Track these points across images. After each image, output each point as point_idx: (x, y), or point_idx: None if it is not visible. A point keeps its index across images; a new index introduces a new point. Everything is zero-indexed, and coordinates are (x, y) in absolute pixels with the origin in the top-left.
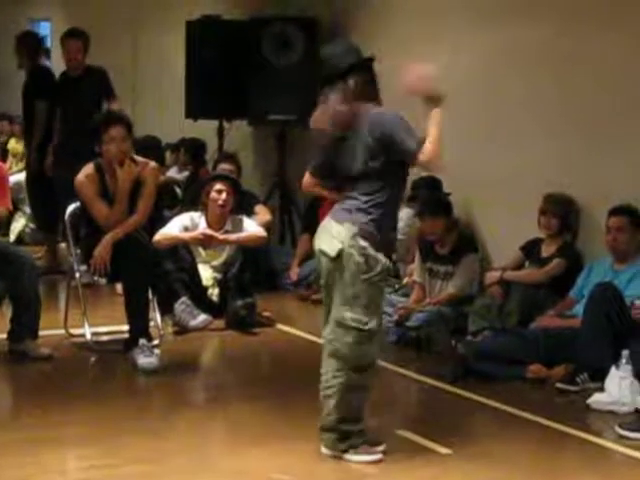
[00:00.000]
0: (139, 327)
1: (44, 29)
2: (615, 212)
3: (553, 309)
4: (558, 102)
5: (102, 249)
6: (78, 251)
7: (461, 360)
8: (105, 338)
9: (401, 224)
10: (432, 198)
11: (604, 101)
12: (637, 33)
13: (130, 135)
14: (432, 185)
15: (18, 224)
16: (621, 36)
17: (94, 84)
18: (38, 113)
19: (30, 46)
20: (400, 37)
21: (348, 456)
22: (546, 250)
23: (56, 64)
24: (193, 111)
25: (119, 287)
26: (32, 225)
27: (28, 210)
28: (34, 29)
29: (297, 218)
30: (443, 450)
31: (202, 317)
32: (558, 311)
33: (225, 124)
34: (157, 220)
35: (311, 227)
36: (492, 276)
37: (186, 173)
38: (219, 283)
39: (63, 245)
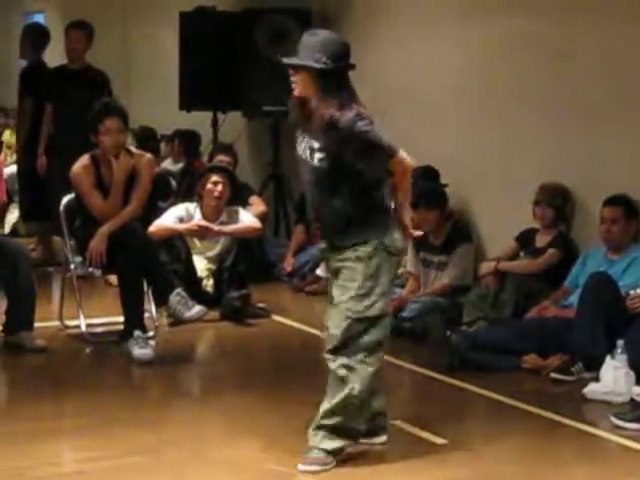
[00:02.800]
0: (134, 318)
1: (38, 21)
2: (609, 203)
3: (548, 299)
4: (553, 93)
5: (97, 241)
6: (73, 242)
7: (456, 350)
8: (100, 329)
9: None
10: (427, 189)
11: (599, 91)
12: (631, 22)
13: (126, 127)
14: (429, 175)
15: (12, 216)
16: (616, 26)
17: (92, 84)
18: (24, 109)
19: (35, 38)
20: (394, 28)
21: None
22: (541, 240)
23: (49, 57)
24: (187, 102)
25: (113, 278)
26: None
27: None
28: (28, 21)
29: (292, 209)
30: (438, 440)
31: (197, 308)
32: (553, 300)
33: (219, 115)
34: (152, 211)
35: (305, 218)
36: (487, 266)
37: (181, 164)
38: (214, 274)
39: (57, 237)
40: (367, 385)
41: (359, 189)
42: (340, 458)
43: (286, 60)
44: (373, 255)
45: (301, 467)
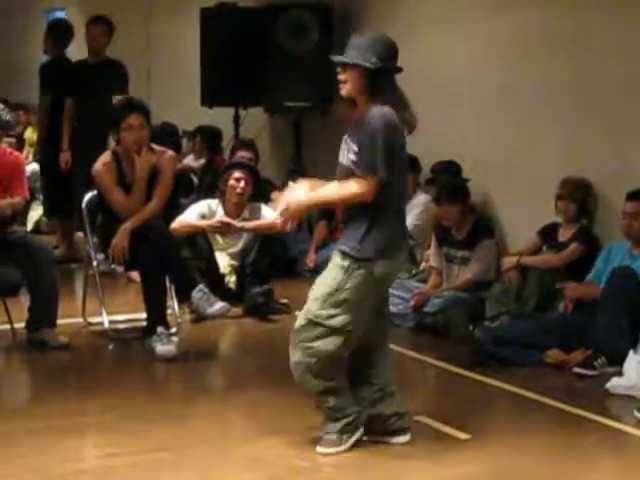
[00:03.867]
0: (157, 315)
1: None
2: (631, 197)
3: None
4: (574, 86)
5: (120, 237)
6: (95, 239)
7: (479, 345)
8: (123, 326)
9: (418, 210)
10: (450, 184)
11: (620, 83)
12: None
13: (148, 123)
14: (452, 170)
15: (35, 213)
16: (634, 16)
17: (111, 76)
18: (42, 106)
19: (58, 34)
20: (414, 22)
21: None
22: (563, 235)
23: (71, 53)
24: (208, 99)
25: (135, 275)
26: None
27: None
28: (49, 18)
29: None
30: (462, 435)
31: (219, 304)
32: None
33: (241, 112)
34: (174, 208)
35: (328, 214)
36: (509, 261)
37: (202, 161)
38: (236, 270)
39: (79, 234)
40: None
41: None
42: (362, 450)
43: (336, 58)
44: (358, 276)
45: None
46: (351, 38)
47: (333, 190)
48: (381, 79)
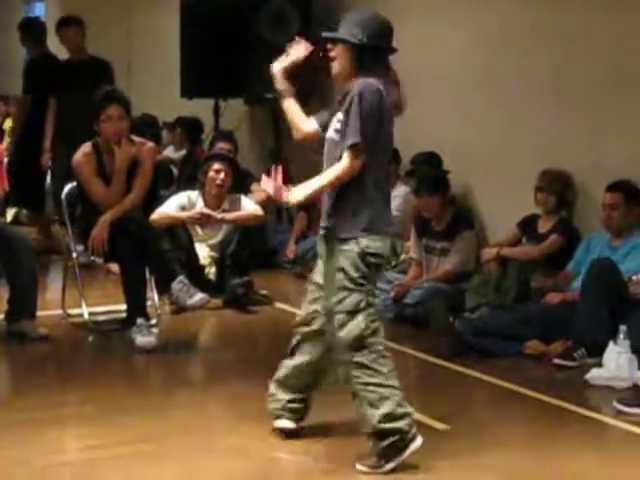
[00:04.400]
0: (136, 306)
1: (39, 10)
2: (611, 188)
3: (551, 281)
4: (554, 78)
5: (99, 229)
6: (75, 231)
7: (459, 336)
8: (103, 318)
9: (397, 201)
10: (430, 175)
11: (600, 76)
12: (633, 8)
13: (128, 114)
14: (432, 162)
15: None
16: (616, 11)
17: (96, 75)
18: (21, 105)
19: (34, 34)
20: (394, 14)
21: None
22: (543, 226)
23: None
24: (188, 90)
25: (114, 267)
26: None
27: None
28: (29, 10)
29: None
30: (441, 426)
31: (199, 296)
32: (556, 282)
33: (221, 103)
34: (154, 199)
35: (307, 205)
36: (489, 252)
37: (182, 152)
38: (216, 262)
39: (58, 226)
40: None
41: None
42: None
43: (325, 33)
44: (354, 256)
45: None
46: (346, 15)
47: (324, 177)
48: (369, 56)
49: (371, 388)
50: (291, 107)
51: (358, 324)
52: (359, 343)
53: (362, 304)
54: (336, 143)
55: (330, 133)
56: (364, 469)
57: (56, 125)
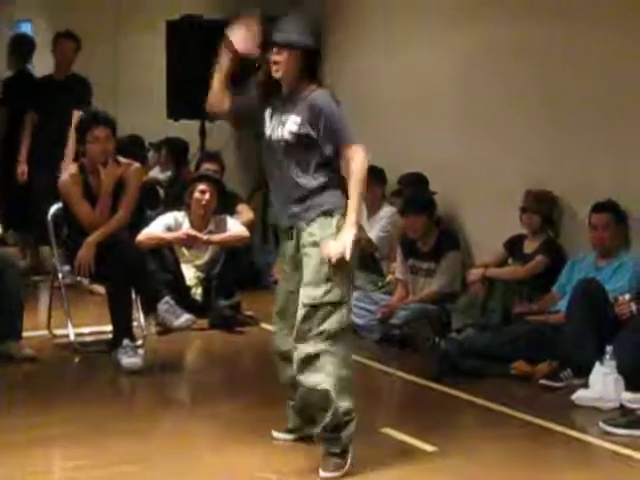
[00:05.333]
0: (122, 327)
1: (25, 29)
2: (598, 209)
3: (536, 304)
4: (539, 98)
5: (85, 250)
6: (61, 251)
7: (445, 357)
8: (89, 339)
9: (384, 222)
10: (416, 196)
11: (587, 98)
12: (619, 28)
13: (114, 135)
14: (419, 182)
15: None
16: (603, 31)
17: (75, 92)
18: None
19: (19, 49)
20: (383, 39)
21: None
22: (529, 246)
23: (37, 65)
24: (175, 111)
25: (97, 287)
26: None
27: None
28: (16, 29)
29: None
30: (428, 447)
31: (185, 317)
32: (541, 306)
33: (207, 124)
34: (140, 220)
35: None
36: (475, 273)
37: (168, 173)
38: (202, 282)
39: (44, 246)
40: (336, 378)
41: (320, 164)
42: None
43: (279, 36)
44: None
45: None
46: (280, 20)
47: (354, 188)
48: (317, 60)
49: (342, 381)
50: (219, 79)
51: (342, 316)
52: (341, 335)
53: (346, 297)
54: (286, 144)
55: (282, 134)
56: (331, 475)
57: (35, 143)
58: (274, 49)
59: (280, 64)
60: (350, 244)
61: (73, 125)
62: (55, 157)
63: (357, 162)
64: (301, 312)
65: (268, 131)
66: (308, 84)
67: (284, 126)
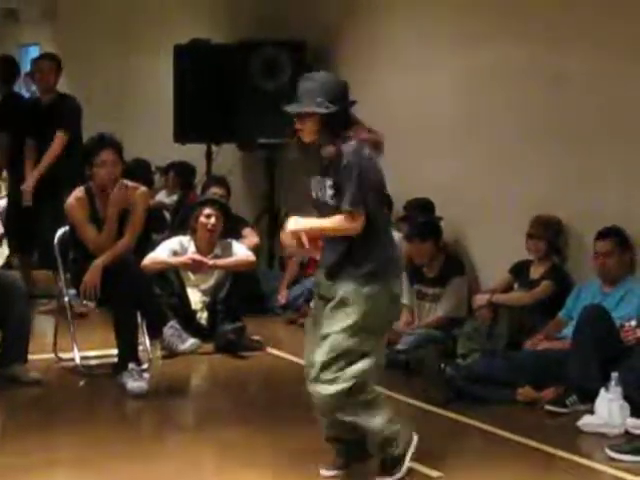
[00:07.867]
0: (128, 351)
1: (33, 53)
2: (602, 236)
3: (542, 331)
4: (546, 123)
5: (92, 274)
6: (67, 275)
7: (450, 383)
8: (94, 362)
9: None
10: (422, 221)
11: (595, 122)
12: (625, 50)
13: (121, 159)
14: (425, 208)
15: (7, 248)
16: (609, 54)
17: (64, 111)
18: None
19: (6, 71)
20: (386, 60)
21: None
22: (535, 272)
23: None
24: (181, 135)
25: (83, 309)
26: None
27: None
28: (24, 53)
29: None
30: (434, 473)
31: (191, 341)
32: (547, 332)
33: (214, 148)
34: (146, 244)
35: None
36: (481, 298)
37: (175, 197)
38: (208, 307)
39: (44, 270)
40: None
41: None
42: None
43: (289, 109)
44: (374, 294)
45: None
46: (301, 84)
47: (327, 221)
48: (337, 120)
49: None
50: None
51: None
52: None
53: (377, 350)
54: (333, 208)
55: (325, 198)
56: None
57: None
58: (294, 118)
59: (303, 132)
60: (301, 223)
61: (53, 145)
62: (54, 181)
63: (340, 219)
64: (331, 355)
65: (314, 193)
66: (338, 142)
67: (325, 190)
